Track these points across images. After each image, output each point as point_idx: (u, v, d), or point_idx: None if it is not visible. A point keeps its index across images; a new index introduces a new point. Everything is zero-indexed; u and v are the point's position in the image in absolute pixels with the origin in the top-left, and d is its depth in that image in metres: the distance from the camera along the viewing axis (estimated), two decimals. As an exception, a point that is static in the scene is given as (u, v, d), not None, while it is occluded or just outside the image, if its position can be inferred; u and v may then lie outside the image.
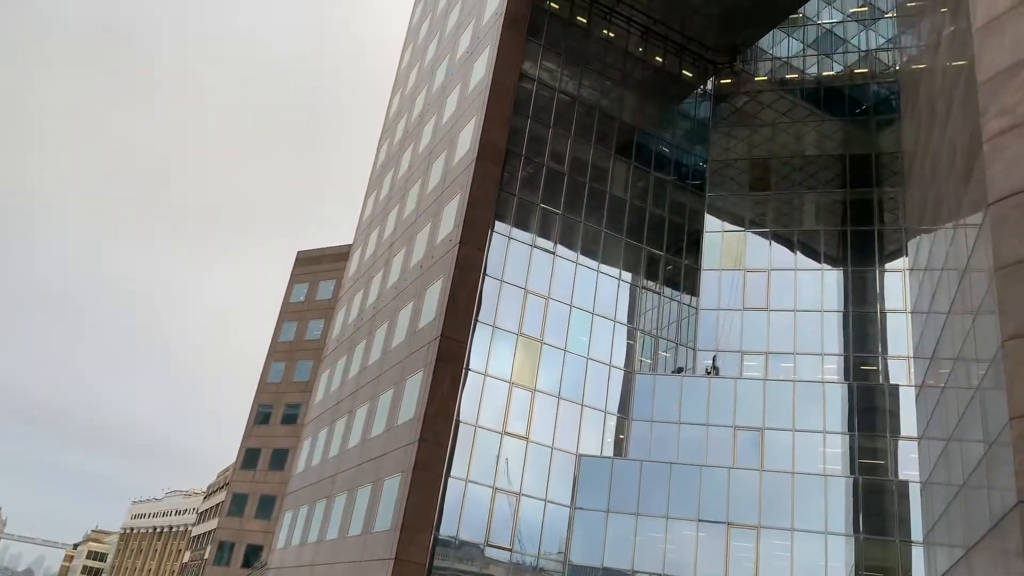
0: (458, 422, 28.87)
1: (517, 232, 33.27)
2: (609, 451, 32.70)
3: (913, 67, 20.95)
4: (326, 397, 42.58)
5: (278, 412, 61.63)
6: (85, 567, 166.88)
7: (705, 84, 41.66)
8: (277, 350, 64.80)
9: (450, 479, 28.14)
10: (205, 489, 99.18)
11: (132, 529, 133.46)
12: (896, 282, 35.70)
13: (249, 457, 61.12)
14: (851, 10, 41.47)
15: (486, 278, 31.30)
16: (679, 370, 35.67)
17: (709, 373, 35.33)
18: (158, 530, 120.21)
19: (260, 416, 62.40)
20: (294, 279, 67.96)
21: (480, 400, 29.88)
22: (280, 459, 58.97)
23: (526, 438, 30.57)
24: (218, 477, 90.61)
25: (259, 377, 64.60)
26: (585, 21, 38.63)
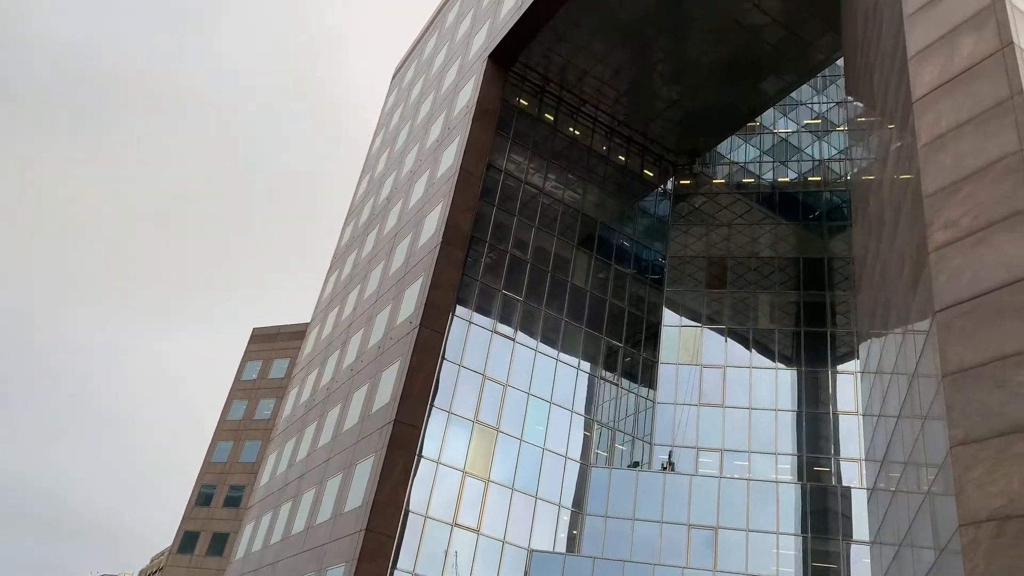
0: (407, 511, 28.03)
1: (478, 317, 33.30)
2: (562, 547, 31.90)
3: (863, 178, 21.94)
4: (272, 480, 41.16)
5: (221, 493, 59.30)
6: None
7: (665, 183, 43.05)
8: (225, 428, 62.89)
9: (396, 571, 27.08)
10: (136, 574, 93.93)
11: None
12: (848, 384, 36.29)
13: (187, 540, 58.32)
14: (805, 122, 43.64)
15: (444, 362, 31.06)
16: (635, 464, 35.37)
17: (665, 469, 35.08)
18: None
19: (202, 497, 59.94)
20: (248, 356, 66.68)
21: (431, 489, 29.13)
22: (220, 544, 56.37)
23: (477, 531, 29.74)
24: (151, 561, 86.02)
25: (204, 455, 62.41)
26: (552, 119, 39.94)
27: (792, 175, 42.52)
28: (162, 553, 73.97)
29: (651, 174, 42.61)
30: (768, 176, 42.76)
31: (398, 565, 27.17)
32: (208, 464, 61.47)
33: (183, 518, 59.84)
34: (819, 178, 42.12)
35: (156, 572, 71.23)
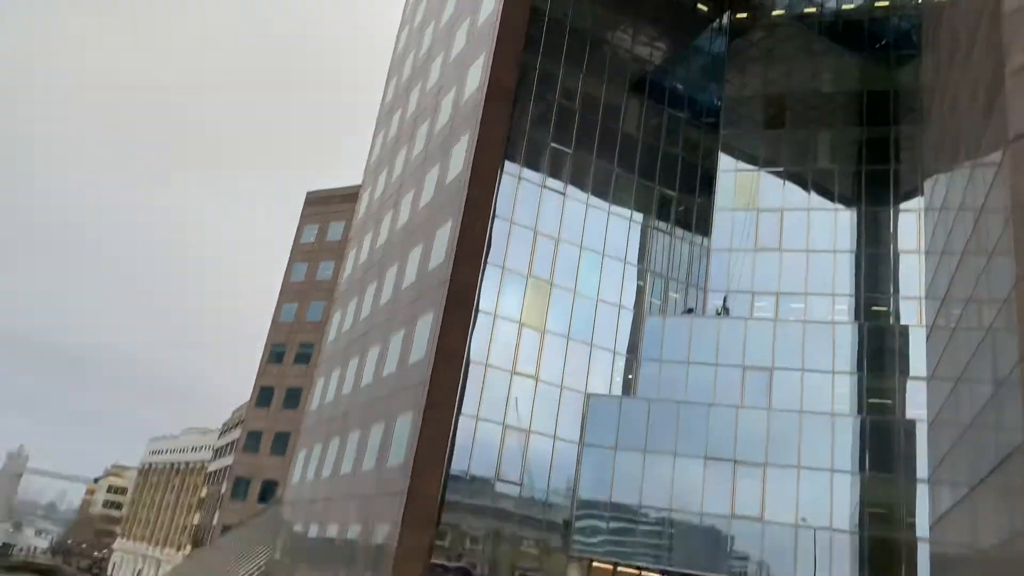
0: (468, 362, 29.14)
1: (527, 172, 32.96)
2: (618, 390, 33.02)
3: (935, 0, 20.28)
4: (338, 337, 43.01)
5: (291, 351, 62.36)
6: (106, 500, 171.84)
7: (720, 18, 40.55)
8: (289, 290, 65.20)
9: (461, 416, 28.56)
10: (220, 427, 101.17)
11: (150, 465, 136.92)
12: (911, 222, 35.32)
13: (263, 396, 62.15)
14: (874, -61, 40.01)
15: (496, 219, 31.15)
16: (689, 311, 35.71)
17: (719, 314, 35.36)
18: (175, 466, 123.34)
19: (273, 355, 63.20)
20: (304, 220, 67.93)
21: (490, 340, 30.10)
22: (294, 397, 59.96)
23: (535, 377, 30.88)
24: (232, 415, 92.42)
25: (271, 317, 65.23)
26: (597, -47, 37.43)
27: (857, 1, 39.55)
28: (241, 408, 79.28)
29: (705, 8, 40.13)
30: (831, 4, 39.86)
31: (462, 411, 28.62)
32: (276, 324, 64.31)
33: (257, 375, 63.48)
34: (887, 3, 39.11)
35: (237, 425, 76.72)
